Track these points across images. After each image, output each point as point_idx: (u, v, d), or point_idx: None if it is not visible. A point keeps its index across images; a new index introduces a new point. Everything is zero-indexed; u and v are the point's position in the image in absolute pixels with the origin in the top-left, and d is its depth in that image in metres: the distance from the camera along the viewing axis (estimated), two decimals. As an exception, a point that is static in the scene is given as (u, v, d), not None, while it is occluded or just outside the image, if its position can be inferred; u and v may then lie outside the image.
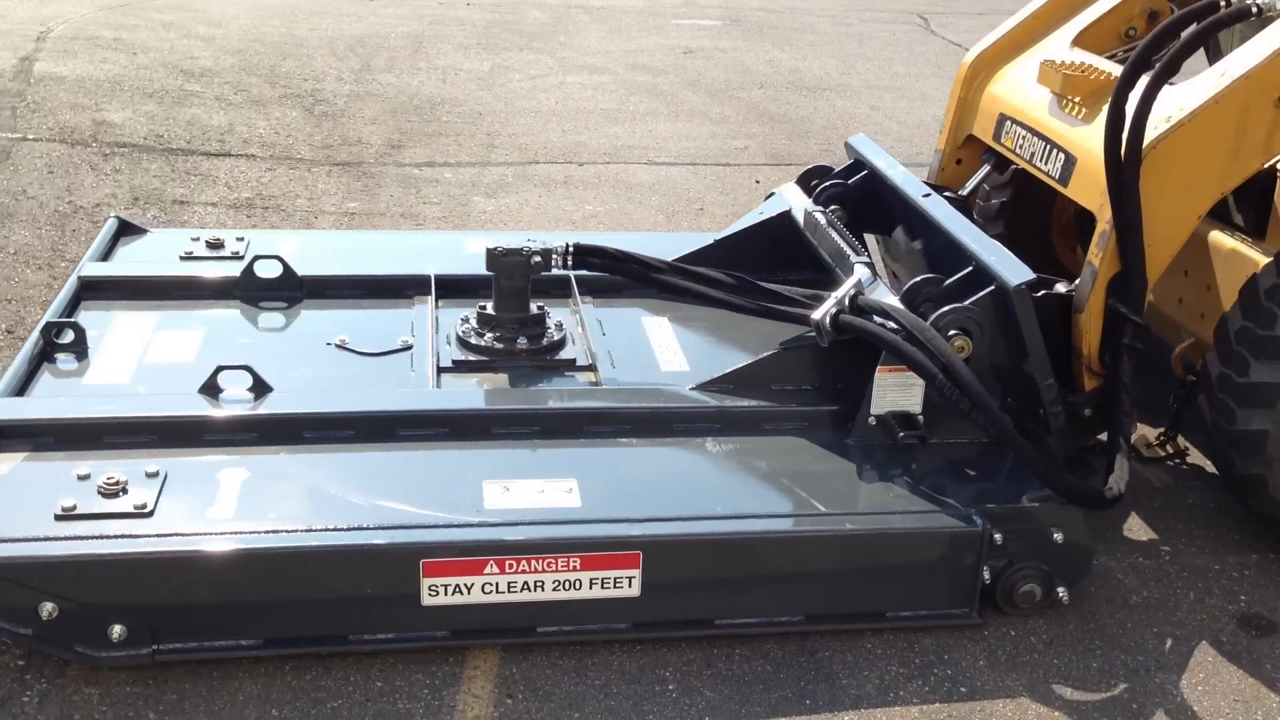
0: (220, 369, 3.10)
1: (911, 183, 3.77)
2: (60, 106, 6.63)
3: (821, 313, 3.19)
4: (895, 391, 3.11)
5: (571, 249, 3.51)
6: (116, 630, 2.59)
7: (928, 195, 3.65)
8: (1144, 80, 2.99)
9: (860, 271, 3.33)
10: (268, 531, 2.66)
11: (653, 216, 5.75)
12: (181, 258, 3.97)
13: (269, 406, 3.07)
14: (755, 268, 3.80)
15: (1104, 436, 3.25)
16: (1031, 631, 2.98)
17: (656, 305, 3.85)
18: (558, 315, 3.67)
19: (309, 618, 2.72)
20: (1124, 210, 3.01)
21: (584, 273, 3.75)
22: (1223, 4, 3.06)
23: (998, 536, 2.87)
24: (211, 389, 3.09)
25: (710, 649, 2.85)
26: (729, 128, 7.59)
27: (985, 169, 4.02)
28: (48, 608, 2.53)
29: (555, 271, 3.54)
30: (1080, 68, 3.48)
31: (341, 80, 8.01)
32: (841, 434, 3.18)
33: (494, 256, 3.47)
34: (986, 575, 2.90)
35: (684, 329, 3.75)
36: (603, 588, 2.77)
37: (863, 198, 3.98)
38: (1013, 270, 3.08)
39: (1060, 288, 3.27)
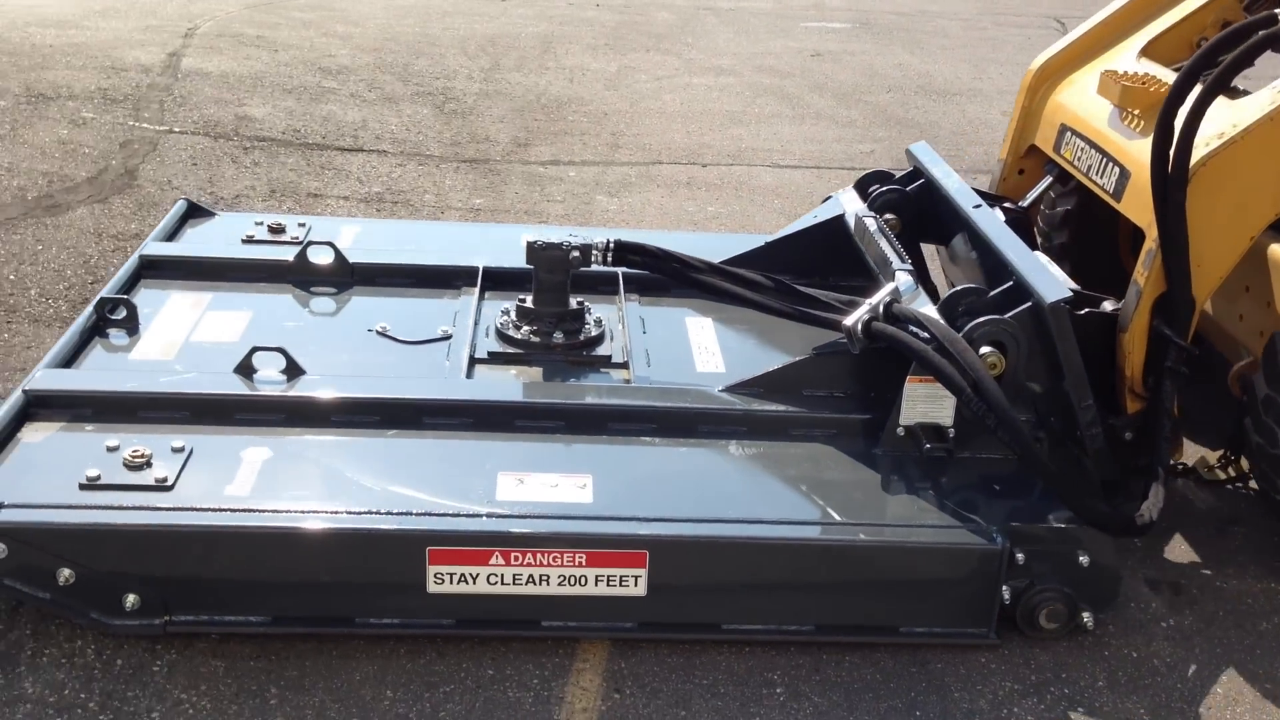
0: (255, 350, 3.17)
1: (964, 193, 3.68)
2: (204, 101, 6.88)
3: (854, 319, 3.13)
4: (925, 403, 3.03)
5: (612, 245, 3.51)
6: (130, 599, 2.66)
7: (978, 206, 3.56)
8: (1194, 94, 2.87)
9: (901, 279, 3.26)
10: (279, 511, 2.71)
11: (774, 219, 5.72)
12: (243, 241, 4.09)
13: (299, 389, 3.13)
14: (806, 272, 3.77)
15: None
16: (1155, 654, 2.89)
17: (702, 306, 3.82)
18: (601, 312, 3.66)
19: (317, 598, 2.75)
20: (1170, 229, 2.90)
21: (634, 271, 3.77)
22: None
23: (1020, 556, 2.79)
24: (246, 369, 3.16)
25: (819, 654, 2.83)
26: (855, 131, 7.52)
27: (1047, 180, 3.91)
28: (65, 573, 2.61)
29: (597, 267, 3.54)
30: (1141, 79, 3.37)
31: (471, 79, 8.15)
32: (872, 443, 3.12)
33: (534, 250, 3.47)
34: (1007, 595, 2.82)
35: (726, 331, 3.72)
36: (609, 585, 2.74)
37: (919, 206, 3.91)
38: (1051, 287, 3.00)
39: (1107, 306, 3.16)
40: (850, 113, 8.00)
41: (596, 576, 2.73)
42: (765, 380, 3.25)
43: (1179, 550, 3.36)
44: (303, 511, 2.71)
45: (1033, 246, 3.81)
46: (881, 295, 3.15)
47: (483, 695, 2.65)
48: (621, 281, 3.87)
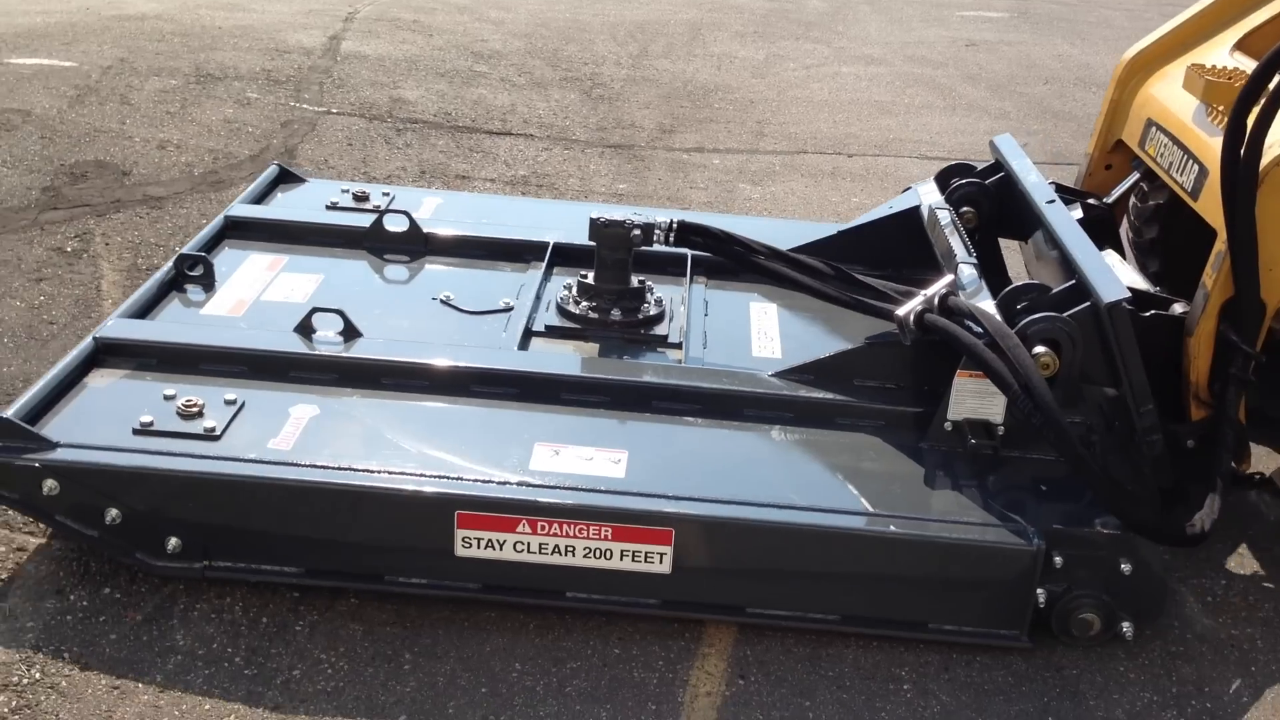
0: (314, 311, 3.26)
1: (1040, 187, 3.56)
2: (361, 84, 7.08)
3: (907, 309, 3.06)
4: (975, 398, 2.94)
5: (675, 226, 3.50)
6: (172, 542, 2.76)
7: (1052, 201, 3.44)
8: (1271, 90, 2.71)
9: (964, 273, 3.18)
10: (315, 466, 2.77)
11: (921, 211, 5.62)
12: (327, 207, 4.21)
13: (354, 351, 3.20)
14: (878, 262, 3.69)
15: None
16: (1306, 674, 2.77)
17: (769, 291, 3.78)
18: (667, 293, 3.67)
19: (348, 554, 2.81)
20: (1238, 230, 2.75)
21: (704, 255, 3.75)
22: None
23: (1058, 559, 2.70)
24: (305, 329, 3.24)
25: (949, 653, 2.78)
26: (1008, 124, 7.32)
27: (1134, 177, 3.74)
28: (112, 513, 2.72)
29: (659, 247, 3.55)
30: (1228, 73, 3.20)
31: (619, 65, 8.20)
32: (920, 437, 3.06)
33: (596, 227, 3.49)
34: (1042, 598, 2.73)
35: (790, 317, 3.68)
36: (633, 560, 2.74)
37: (998, 200, 3.79)
38: (1110, 286, 2.88)
39: (1177, 308, 3.01)
40: (1004, 104, 7.80)
41: (622, 551, 2.73)
42: (816, 367, 3.22)
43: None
44: (338, 468, 2.77)
45: (1115, 244, 3.71)
46: (938, 287, 3.08)
47: (608, 673, 2.68)
48: (690, 264, 3.88)
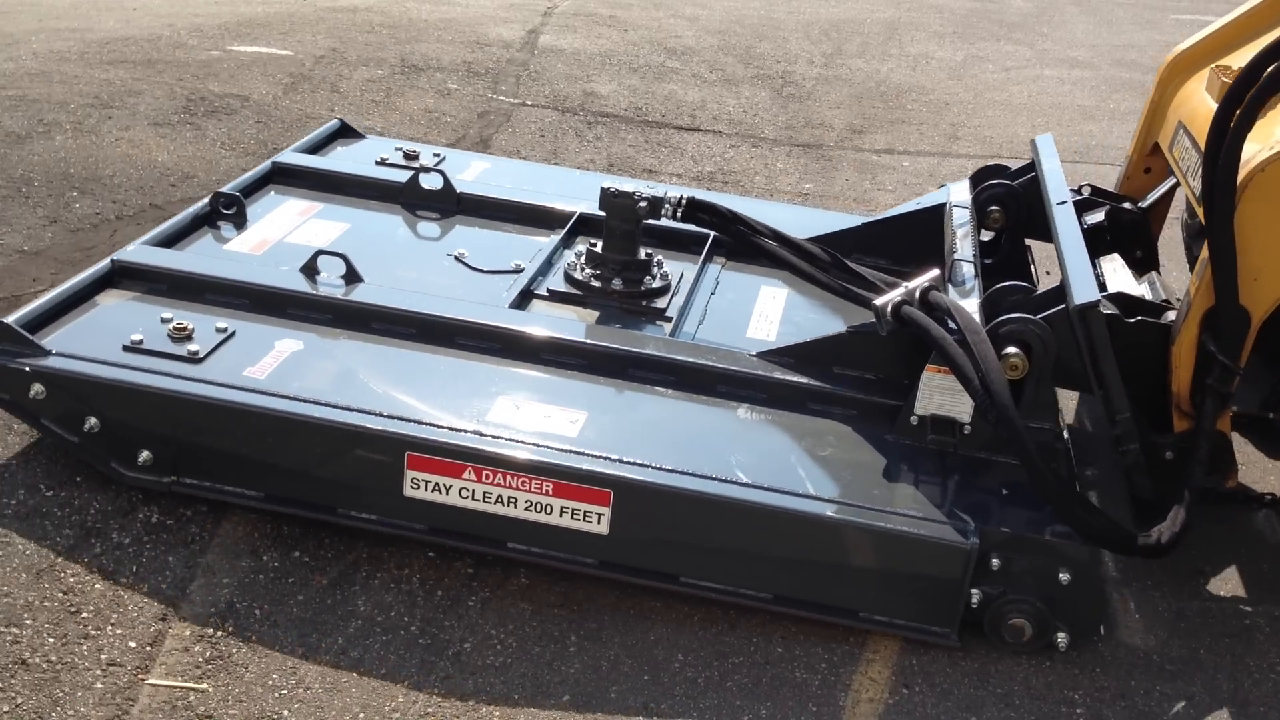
0: (319, 253, 3.36)
1: (1058, 189, 3.44)
2: (556, 77, 7.23)
3: (885, 300, 3.00)
4: (943, 394, 2.91)
5: (684, 201, 3.53)
6: (144, 455, 2.91)
7: (1063, 203, 3.34)
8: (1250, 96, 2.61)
9: (960, 269, 3.15)
10: (280, 396, 2.88)
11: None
12: (377, 163, 4.32)
13: (351, 294, 3.29)
14: (899, 257, 3.64)
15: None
16: None
17: (786, 277, 3.75)
18: (680, 269, 3.69)
19: (306, 484, 2.91)
20: (1218, 238, 2.65)
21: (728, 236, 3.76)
22: None
23: (995, 562, 2.67)
24: (310, 270, 3.36)
25: (1127, 678, 2.68)
26: (1220, 132, 6.97)
27: (1170, 181, 3.54)
28: (91, 421, 2.89)
29: (668, 222, 3.59)
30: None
31: (812, 63, 8.14)
32: (890, 430, 3.02)
33: (606, 197, 3.51)
34: (975, 599, 2.68)
35: (797, 303, 3.65)
36: (572, 518, 2.78)
37: (1026, 201, 3.69)
38: (1085, 290, 2.80)
39: (1169, 317, 2.85)
40: (1217, 112, 7.42)
41: (561, 508, 2.77)
42: (796, 351, 3.21)
43: None
44: (301, 400, 2.88)
45: (1147, 250, 3.59)
46: (920, 280, 3.04)
47: (770, 671, 2.68)
48: (710, 242, 3.88)
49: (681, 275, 3.69)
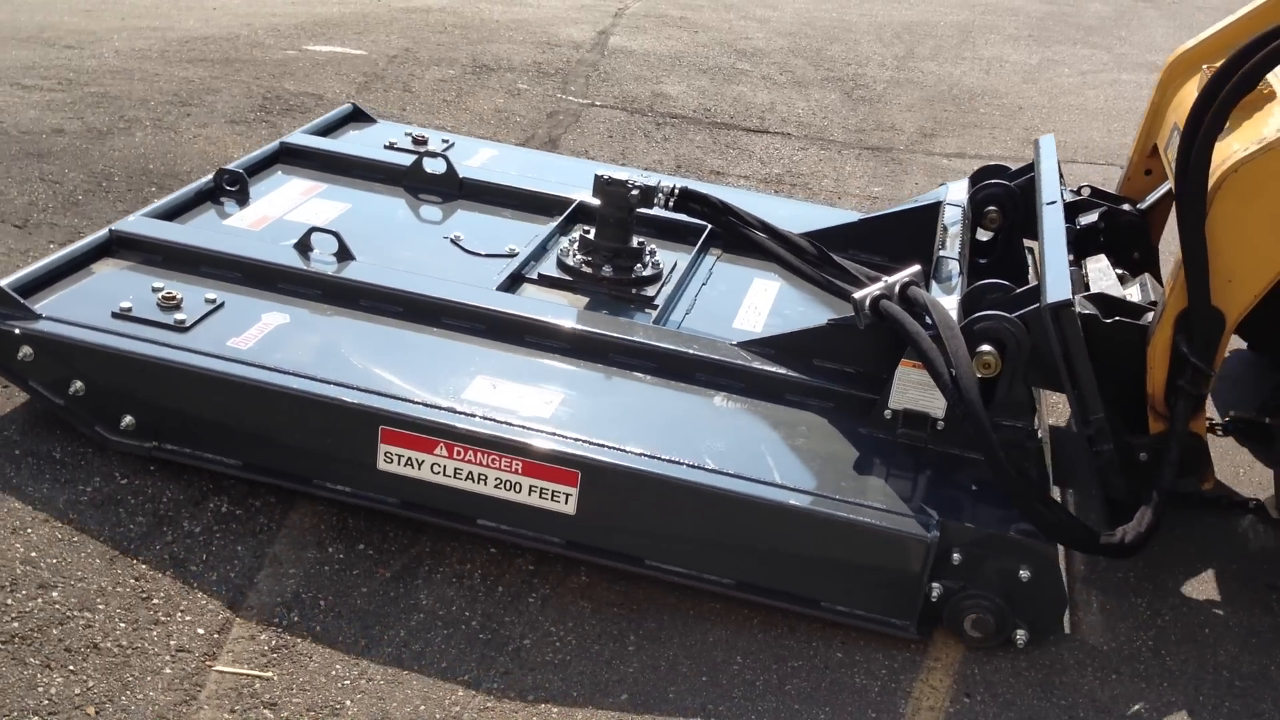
0: (312, 230, 3.41)
1: (1050, 189, 3.43)
2: (625, 77, 7.24)
3: (864, 293, 3.02)
4: (917, 389, 2.91)
5: (676, 191, 3.57)
6: (127, 420, 2.98)
7: (1052, 203, 3.33)
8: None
9: (945, 266, 3.14)
10: (261, 367, 2.94)
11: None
12: (385, 147, 4.36)
13: (341, 271, 3.34)
14: (895, 253, 3.62)
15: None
16: None
17: (780, 270, 3.75)
18: (675, 258, 3.71)
19: (283, 454, 2.97)
20: (1189, 240, 2.64)
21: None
22: None
23: (956, 556, 2.67)
24: (303, 247, 3.42)
25: (1195, 695, 2.63)
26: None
27: (1168, 184, 3.45)
28: (77, 385, 2.97)
29: (659, 211, 3.62)
30: None
31: (883, 66, 8.08)
32: (865, 423, 3.04)
33: (599, 184, 3.54)
34: (935, 593, 2.69)
35: (790, 296, 3.64)
36: (540, 497, 2.80)
37: (1023, 202, 3.68)
38: (1058, 289, 2.79)
39: (1149, 318, 2.81)
40: (1300, 118, 7.24)
41: (530, 486, 2.80)
42: (777, 342, 3.22)
43: None
44: (281, 371, 2.94)
45: (1145, 252, 3.55)
46: (901, 275, 3.05)
47: (830, 676, 2.67)
48: (706, 234, 3.88)
49: (675, 264, 3.72)
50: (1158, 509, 2.74)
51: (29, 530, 2.81)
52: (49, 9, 7.30)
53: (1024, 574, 2.67)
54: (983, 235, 3.70)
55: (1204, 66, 3.24)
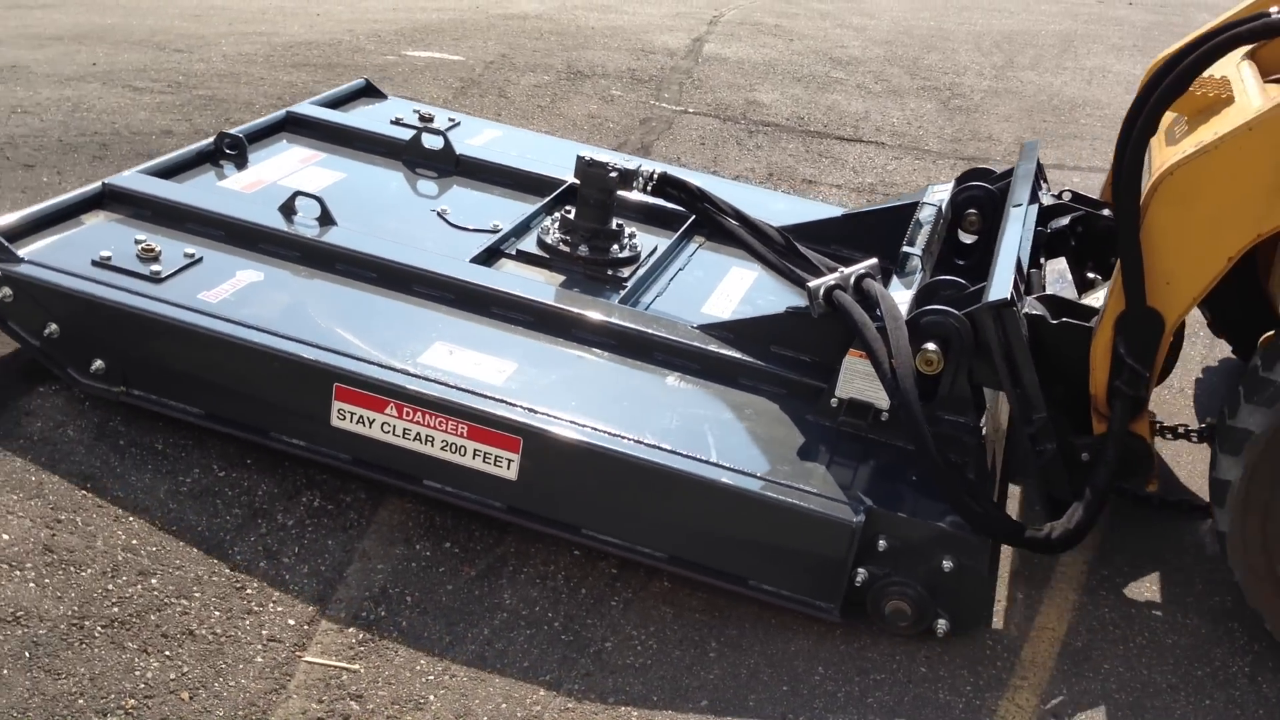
0: (297, 194, 3.48)
1: (1020, 191, 3.42)
2: (719, 85, 7.25)
3: (819, 283, 3.05)
4: (864, 380, 2.93)
5: (656, 176, 3.62)
6: (97, 364, 3.10)
7: (1018, 205, 3.34)
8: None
9: (912, 262, 3.19)
10: (226, 320, 3.04)
11: None
12: (391, 122, 4.40)
13: (321, 235, 3.40)
14: (875, 249, 3.57)
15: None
16: None
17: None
18: (655, 243, 3.75)
19: (242, 405, 3.07)
20: (1125, 242, 2.66)
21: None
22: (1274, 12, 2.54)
23: (882, 543, 2.71)
24: (287, 210, 3.50)
25: (1276, 712, 2.55)
26: None
27: None
28: (52, 327, 3.09)
29: (637, 195, 3.69)
30: (1201, 82, 2.92)
31: (981, 75, 7.97)
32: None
33: (580, 166, 3.60)
34: (860, 578, 2.72)
35: (764, 284, 3.65)
36: (484, 461, 2.87)
37: (1003, 205, 3.58)
38: (999, 288, 2.81)
39: (1095, 320, 2.77)
40: None
41: (474, 450, 2.87)
42: (736, 327, 3.25)
43: None
44: (245, 325, 3.03)
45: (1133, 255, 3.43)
46: (858, 267, 3.09)
47: (912, 691, 2.64)
48: (691, 221, 3.90)
49: (655, 248, 3.75)
50: (1089, 507, 2.76)
51: (131, 519, 2.90)
52: (160, 14, 7.53)
53: (947, 565, 2.71)
54: (965, 238, 3.68)
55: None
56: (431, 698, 2.54)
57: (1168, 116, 3.04)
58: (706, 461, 2.81)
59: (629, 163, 3.69)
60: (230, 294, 3.18)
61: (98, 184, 3.58)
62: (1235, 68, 3.07)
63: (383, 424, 2.93)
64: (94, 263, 3.20)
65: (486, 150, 4.35)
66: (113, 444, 3.10)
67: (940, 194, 3.82)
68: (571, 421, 2.87)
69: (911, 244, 3.38)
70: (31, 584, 2.66)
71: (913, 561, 2.73)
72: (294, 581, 2.81)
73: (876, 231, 3.86)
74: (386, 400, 2.91)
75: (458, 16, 8.21)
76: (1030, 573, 3.06)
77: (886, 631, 2.78)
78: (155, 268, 3.21)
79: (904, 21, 9.46)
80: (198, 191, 3.71)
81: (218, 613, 2.68)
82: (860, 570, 2.73)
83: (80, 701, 2.40)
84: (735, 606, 2.85)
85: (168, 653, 2.55)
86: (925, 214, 3.64)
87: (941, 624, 2.73)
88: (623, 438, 2.85)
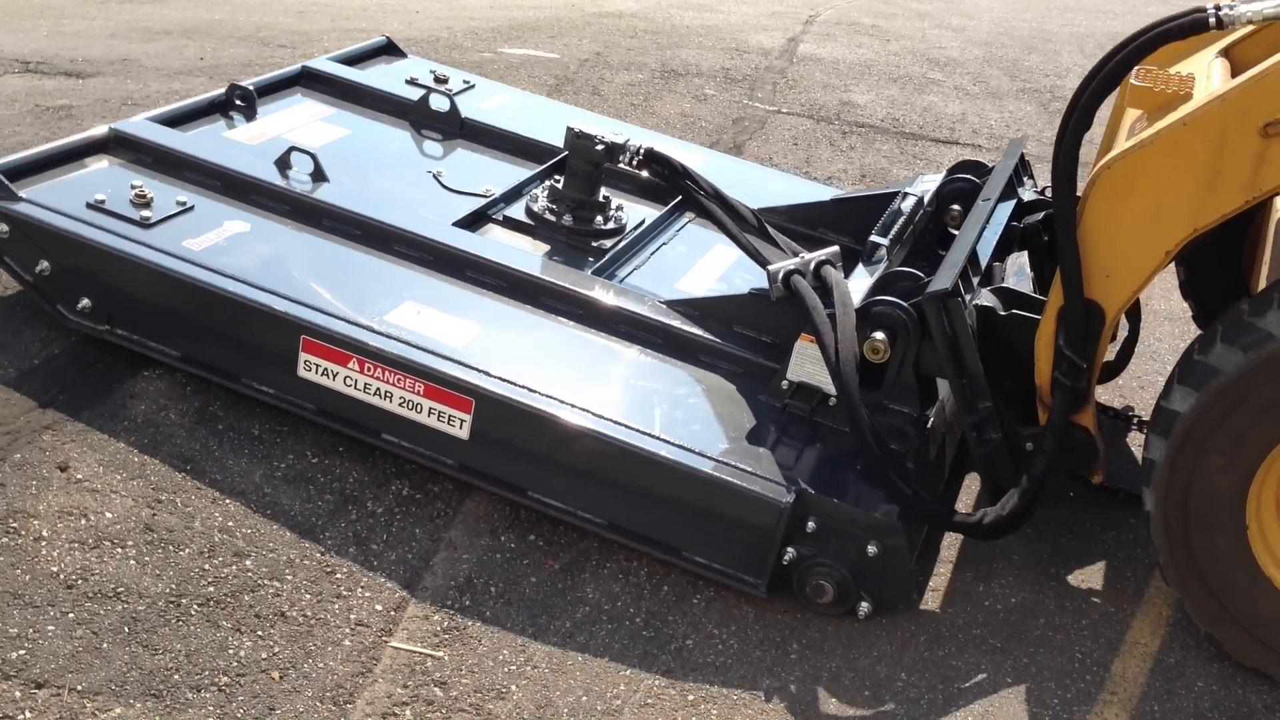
0: (292, 149, 3.54)
1: (994, 187, 3.42)
2: (813, 85, 7.20)
3: (779, 266, 3.11)
4: (814, 364, 2.95)
5: (641, 151, 3.63)
6: (84, 302, 3.24)
7: (986, 200, 3.36)
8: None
9: (879, 251, 3.20)
10: (205, 268, 3.15)
11: None
12: (406, 82, 4.41)
13: (312, 191, 3.45)
14: (860, 235, 3.62)
15: None
16: None
17: None
18: (644, 215, 3.79)
19: (217, 351, 3.20)
20: (1062, 236, 2.70)
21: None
22: (1210, 19, 2.58)
23: (811, 524, 2.77)
24: (282, 164, 3.58)
25: None
26: None
27: None
28: (43, 264, 3.24)
29: (622, 167, 3.70)
30: (1162, 79, 2.94)
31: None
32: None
33: (569, 137, 3.65)
34: (789, 556, 2.78)
35: (744, 264, 3.60)
36: (438, 420, 2.97)
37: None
38: (942, 279, 2.84)
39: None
40: None
41: (429, 409, 2.97)
42: (701, 305, 3.28)
43: None
44: (223, 274, 3.14)
45: None
46: (819, 254, 3.13)
47: (997, 702, 2.60)
48: (682, 201, 3.90)
49: (642, 222, 3.78)
50: (1024, 495, 2.80)
51: (227, 501, 2.98)
52: (265, 10, 7.71)
53: (872, 549, 2.75)
54: (952, 230, 3.64)
55: (1141, 69, 3.23)
56: (513, 687, 2.57)
57: (1131, 113, 3.11)
58: (647, 434, 2.89)
59: (617, 137, 3.71)
60: (214, 243, 3.32)
61: (104, 128, 3.72)
62: (1206, 65, 3.04)
63: (345, 378, 3.05)
64: (88, 205, 3.34)
65: (494, 115, 4.37)
66: (212, 428, 3.19)
67: (927, 184, 3.82)
68: (522, 386, 2.96)
69: (883, 233, 3.38)
70: (133, 561, 2.74)
71: (839, 544, 2.79)
72: (382, 568, 2.86)
73: (864, 217, 3.84)
74: (350, 355, 3.03)
75: (554, 14, 8.28)
76: (1122, 586, 3.01)
77: (973, 641, 2.75)
78: (145, 213, 3.34)
79: (1004, 22, 9.31)
80: (200, 141, 3.82)
81: (308, 595, 2.74)
82: (789, 549, 2.80)
83: (175, 677, 2.48)
84: (816, 616, 2.83)
85: (260, 633, 2.61)
86: (905, 204, 3.64)
87: (864, 606, 2.80)
88: (570, 405, 2.93)
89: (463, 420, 2.97)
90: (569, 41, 7.54)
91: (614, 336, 3.24)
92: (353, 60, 4.69)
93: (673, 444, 2.87)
